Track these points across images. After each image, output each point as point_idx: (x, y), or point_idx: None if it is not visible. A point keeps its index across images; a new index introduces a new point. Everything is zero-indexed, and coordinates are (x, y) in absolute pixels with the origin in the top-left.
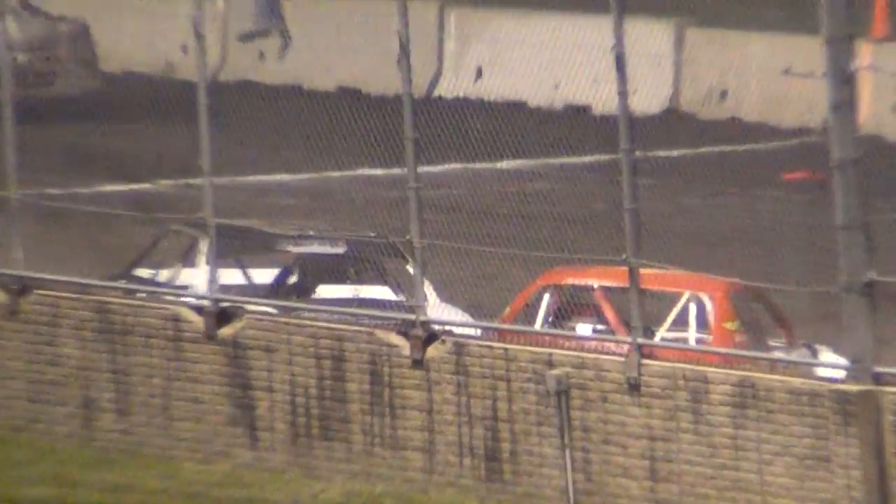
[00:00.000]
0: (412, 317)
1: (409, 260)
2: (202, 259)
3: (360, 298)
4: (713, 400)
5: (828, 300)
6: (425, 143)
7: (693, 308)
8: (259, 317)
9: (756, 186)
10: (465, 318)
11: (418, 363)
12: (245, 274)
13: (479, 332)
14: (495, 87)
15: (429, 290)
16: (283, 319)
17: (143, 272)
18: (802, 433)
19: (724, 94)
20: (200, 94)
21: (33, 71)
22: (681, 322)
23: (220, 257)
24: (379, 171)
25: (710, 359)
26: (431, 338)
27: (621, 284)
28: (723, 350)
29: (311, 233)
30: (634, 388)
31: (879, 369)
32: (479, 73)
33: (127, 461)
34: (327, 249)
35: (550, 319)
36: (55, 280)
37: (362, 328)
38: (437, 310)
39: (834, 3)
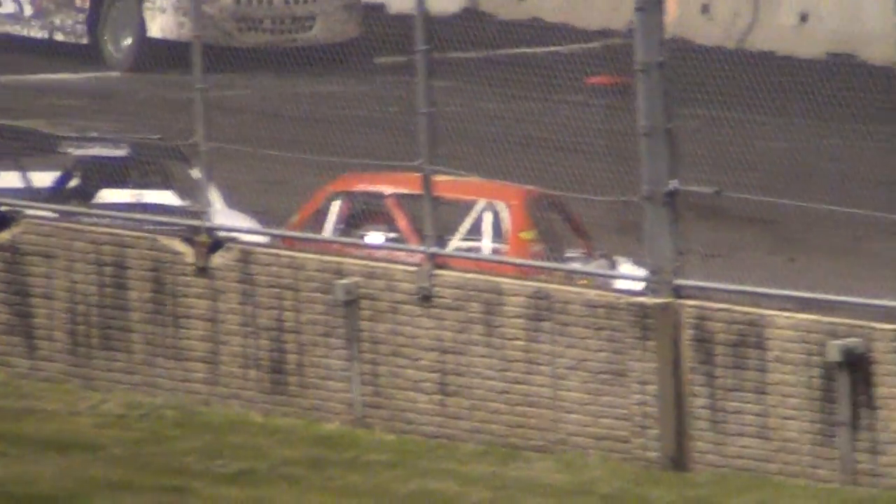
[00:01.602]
0: (197, 223)
1: (195, 164)
2: None
3: (143, 203)
4: (507, 312)
5: (628, 210)
6: None
7: (488, 217)
8: (38, 221)
9: (557, 90)
10: (252, 224)
11: (203, 271)
12: (23, 177)
13: (266, 239)
14: None
15: (215, 195)
16: (64, 224)
17: None
18: (598, 347)
19: None
20: None
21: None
22: (476, 231)
23: None
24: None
25: (504, 269)
26: (217, 245)
27: (415, 192)
28: (517, 261)
29: (93, 134)
30: (426, 299)
31: (680, 282)
32: None
33: None
34: (109, 152)
35: (341, 227)
36: None
37: (145, 234)
38: (223, 216)
39: None
